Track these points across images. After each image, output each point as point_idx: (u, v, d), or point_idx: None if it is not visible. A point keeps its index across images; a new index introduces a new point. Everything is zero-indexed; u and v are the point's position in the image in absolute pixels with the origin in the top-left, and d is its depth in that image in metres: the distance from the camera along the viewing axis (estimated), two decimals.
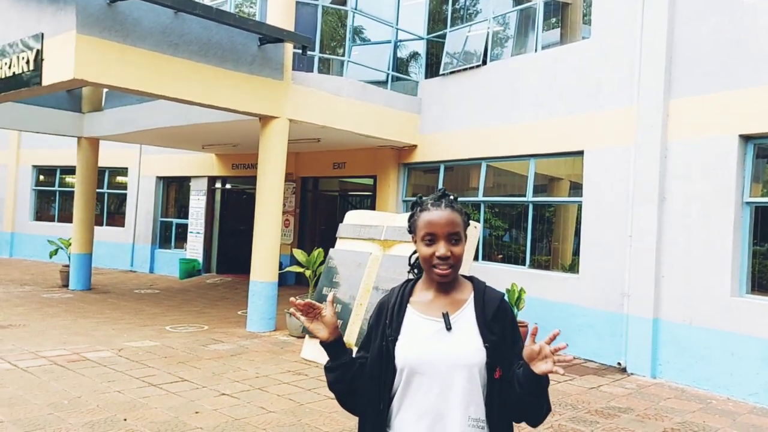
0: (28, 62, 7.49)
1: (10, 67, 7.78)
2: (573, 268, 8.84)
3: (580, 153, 8.58)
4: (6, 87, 7.96)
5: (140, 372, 6.59)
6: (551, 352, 1.66)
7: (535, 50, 9.59)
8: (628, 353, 7.68)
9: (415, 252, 1.96)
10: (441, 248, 1.82)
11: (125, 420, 5.07)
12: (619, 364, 7.81)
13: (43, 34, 7.31)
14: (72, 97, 12.54)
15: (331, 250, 7.97)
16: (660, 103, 7.50)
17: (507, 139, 9.58)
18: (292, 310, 1.92)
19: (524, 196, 9.37)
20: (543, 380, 1.71)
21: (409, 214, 1.96)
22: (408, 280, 2.00)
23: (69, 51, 6.92)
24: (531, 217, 9.26)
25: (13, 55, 7.71)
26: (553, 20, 10.38)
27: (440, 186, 10.82)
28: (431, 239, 1.84)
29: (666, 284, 7.39)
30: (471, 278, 1.97)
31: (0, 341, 7.69)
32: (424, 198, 1.94)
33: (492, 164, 10.09)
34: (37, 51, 7.36)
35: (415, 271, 1.99)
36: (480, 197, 10.07)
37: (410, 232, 1.95)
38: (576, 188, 8.92)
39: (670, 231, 7.39)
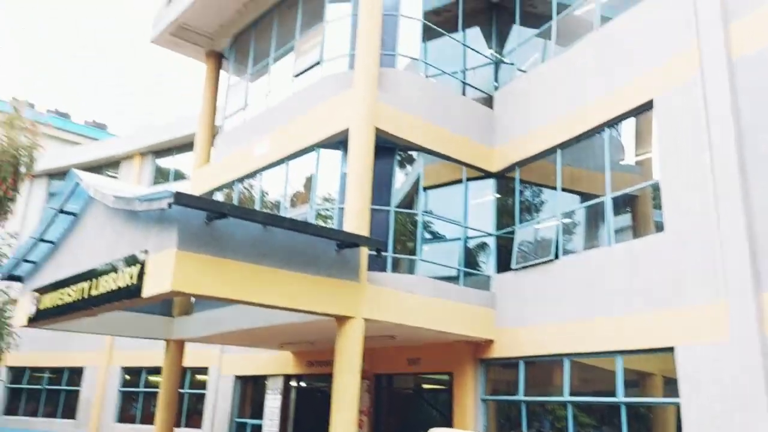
0: (131, 276, 8.19)
1: (115, 281, 8.51)
2: None
3: (671, 350, 8.22)
4: (110, 299, 8.63)
5: None
6: None
7: (609, 244, 9.69)
8: None
9: None
10: None
11: None
12: None
13: (147, 251, 8.07)
14: (163, 301, 13.35)
15: None
16: (751, 297, 7.27)
17: (588, 334, 9.34)
18: None
19: (614, 395, 8.88)
20: None
21: None
22: None
23: (169, 266, 7.56)
24: (625, 418, 8.66)
25: (120, 269, 8.48)
26: (624, 211, 10.55)
27: (521, 384, 10.44)
28: None
29: None
30: None
31: None
32: None
33: (576, 360, 9.75)
34: (141, 265, 8.07)
35: None
36: (566, 397, 9.59)
37: None
38: (671, 384, 8.39)
39: None
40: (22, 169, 14.50)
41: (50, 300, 10.30)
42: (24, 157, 14.49)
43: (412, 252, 11.18)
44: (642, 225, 10.24)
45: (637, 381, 9.38)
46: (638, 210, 10.51)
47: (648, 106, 9.45)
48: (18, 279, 11.93)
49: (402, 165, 11.52)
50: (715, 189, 7.96)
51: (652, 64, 9.42)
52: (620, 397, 8.80)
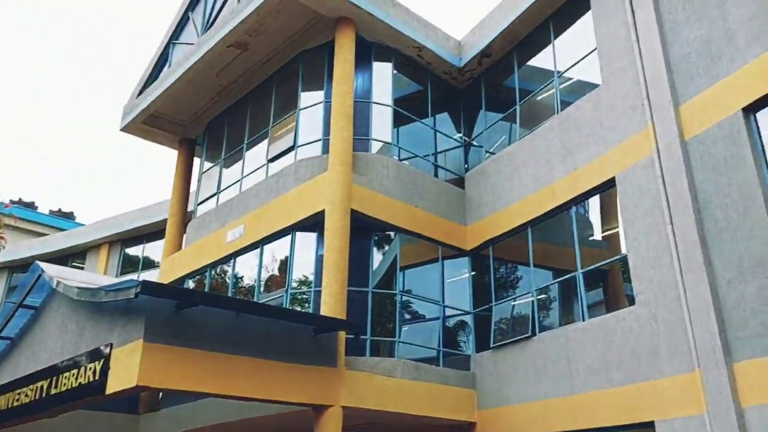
0: (94, 372, 7.82)
1: (76, 378, 8.11)
2: None
3: (650, 424, 8.07)
4: (71, 397, 8.20)
5: None
6: None
7: (583, 319, 9.67)
8: None
9: None
10: None
11: None
12: None
13: (112, 344, 7.74)
14: (130, 398, 12.71)
15: None
16: (722, 368, 7.26)
17: (569, 412, 9.16)
18: None
19: None
20: None
21: None
22: None
23: (135, 359, 7.26)
24: None
25: (83, 365, 8.10)
26: (597, 286, 10.58)
27: None
28: None
29: None
30: None
31: None
32: None
33: None
34: (105, 359, 7.71)
35: None
36: None
37: None
38: None
39: None
40: None
41: (5, 401, 9.76)
42: None
43: (392, 333, 10.98)
44: (614, 299, 10.29)
45: None
46: (610, 284, 10.60)
47: (611, 183, 9.72)
48: None
49: (379, 246, 11.51)
50: (679, 262, 8.10)
51: (611, 144, 9.77)
52: None
